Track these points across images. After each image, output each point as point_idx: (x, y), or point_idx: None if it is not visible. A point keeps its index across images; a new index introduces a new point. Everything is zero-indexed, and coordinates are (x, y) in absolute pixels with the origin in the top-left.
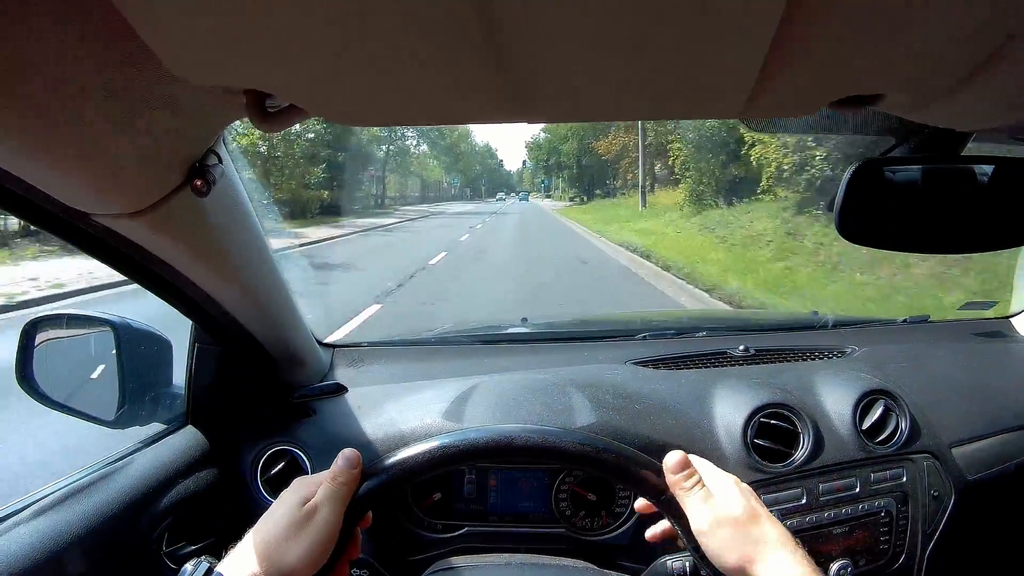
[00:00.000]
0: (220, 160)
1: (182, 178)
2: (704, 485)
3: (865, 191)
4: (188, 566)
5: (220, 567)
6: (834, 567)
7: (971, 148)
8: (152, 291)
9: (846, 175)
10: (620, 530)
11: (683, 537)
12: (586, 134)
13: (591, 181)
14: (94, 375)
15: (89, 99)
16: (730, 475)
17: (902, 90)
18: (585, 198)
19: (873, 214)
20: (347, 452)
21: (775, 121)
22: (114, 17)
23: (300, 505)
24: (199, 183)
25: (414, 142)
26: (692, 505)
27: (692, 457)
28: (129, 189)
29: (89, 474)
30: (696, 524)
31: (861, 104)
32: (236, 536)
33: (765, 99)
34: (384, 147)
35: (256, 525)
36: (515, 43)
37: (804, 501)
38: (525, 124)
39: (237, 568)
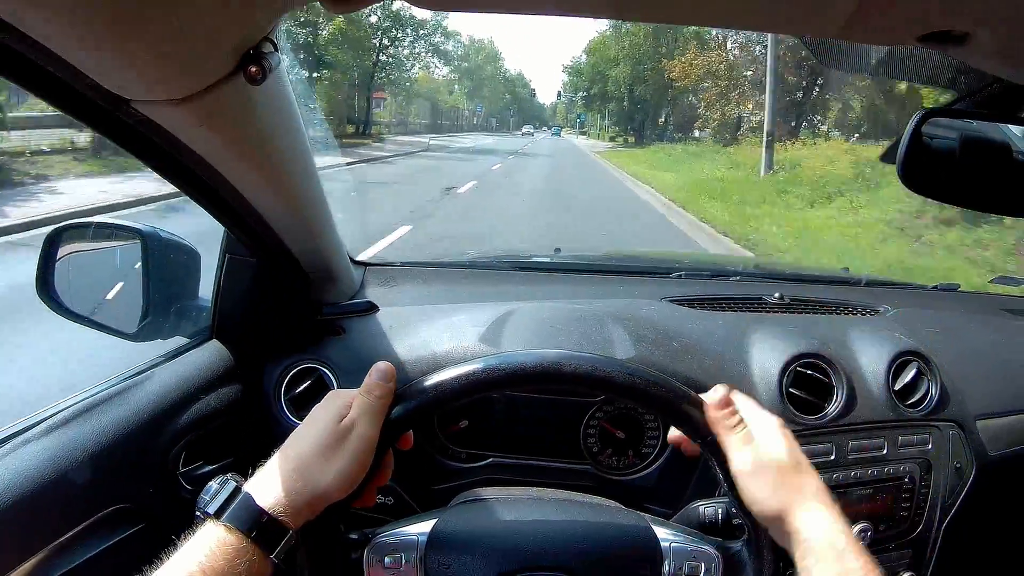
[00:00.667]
0: (276, 49)
1: (235, 64)
2: (747, 426)
3: (928, 141)
4: (213, 484)
5: (248, 486)
6: (855, 529)
7: None
8: (187, 192)
9: (910, 123)
10: (646, 471)
11: (722, 479)
12: (644, 55)
13: (644, 119)
14: (118, 286)
15: None
16: (774, 416)
17: (988, 32)
18: (632, 139)
19: (933, 164)
20: (380, 365)
21: (851, 57)
22: None
23: (336, 421)
24: (254, 70)
25: (413, 49)
26: (734, 445)
27: (735, 394)
28: (178, 73)
29: (106, 388)
30: (737, 465)
31: (947, 43)
32: (254, 456)
33: (864, 21)
34: (373, 57)
35: (288, 441)
36: None
37: (833, 457)
38: (596, 31)
39: (267, 487)
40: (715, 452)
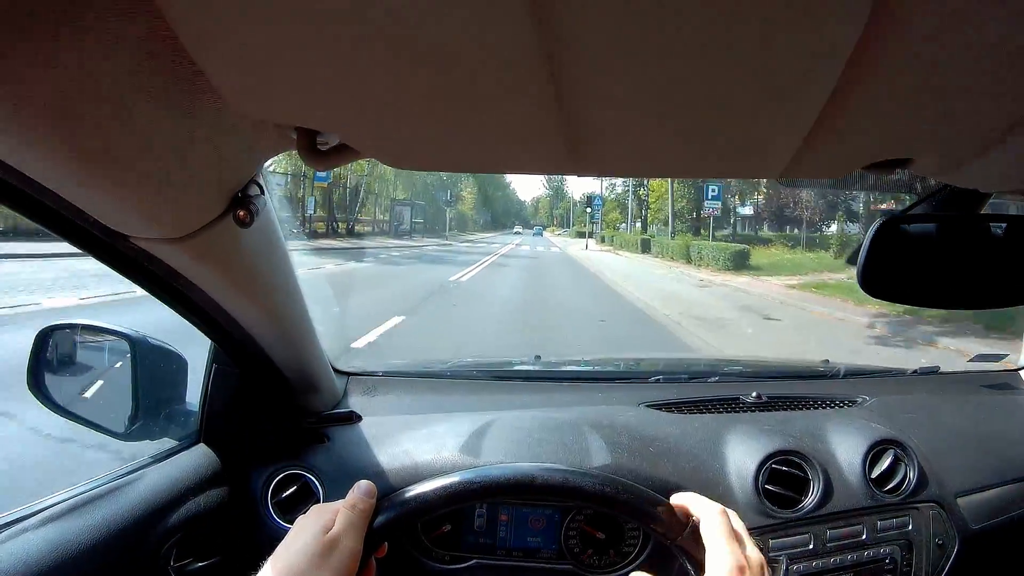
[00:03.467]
0: (262, 191)
1: (224, 207)
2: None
3: (887, 247)
4: None
5: None
6: None
7: (988, 207)
8: (179, 312)
9: (869, 232)
10: (627, 570)
11: None
12: None
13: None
14: (107, 386)
15: (143, 125)
16: (718, 517)
17: (933, 154)
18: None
19: (894, 270)
20: (363, 483)
21: (803, 181)
22: (174, 47)
23: (322, 534)
24: (242, 214)
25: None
26: (691, 549)
27: (689, 497)
28: (172, 215)
29: (99, 485)
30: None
31: (892, 167)
32: (243, 556)
33: (805, 161)
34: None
35: (277, 553)
36: (576, 99)
37: (811, 547)
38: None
39: None
40: (683, 553)
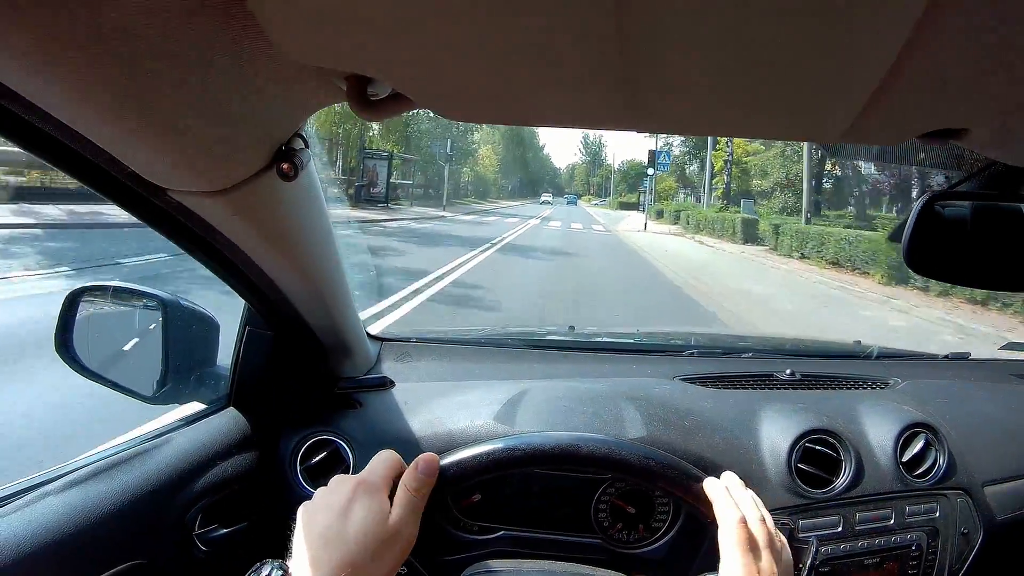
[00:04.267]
0: (307, 144)
1: (267, 160)
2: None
3: (931, 224)
4: (264, 568)
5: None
6: None
7: None
8: (213, 270)
9: (914, 208)
10: (656, 545)
11: None
12: None
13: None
14: (137, 349)
15: (189, 72)
16: (734, 515)
17: (987, 126)
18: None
19: (938, 247)
20: (427, 458)
21: (857, 149)
22: None
23: (382, 523)
24: (287, 167)
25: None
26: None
27: (726, 483)
28: (213, 167)
29: (125, 449)
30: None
31: (947, 137)
32: (269, 522)
33: (865, 126)
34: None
35: (334, 535)
36: (639, 50)
37: (840, 529)
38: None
39: None
40: None
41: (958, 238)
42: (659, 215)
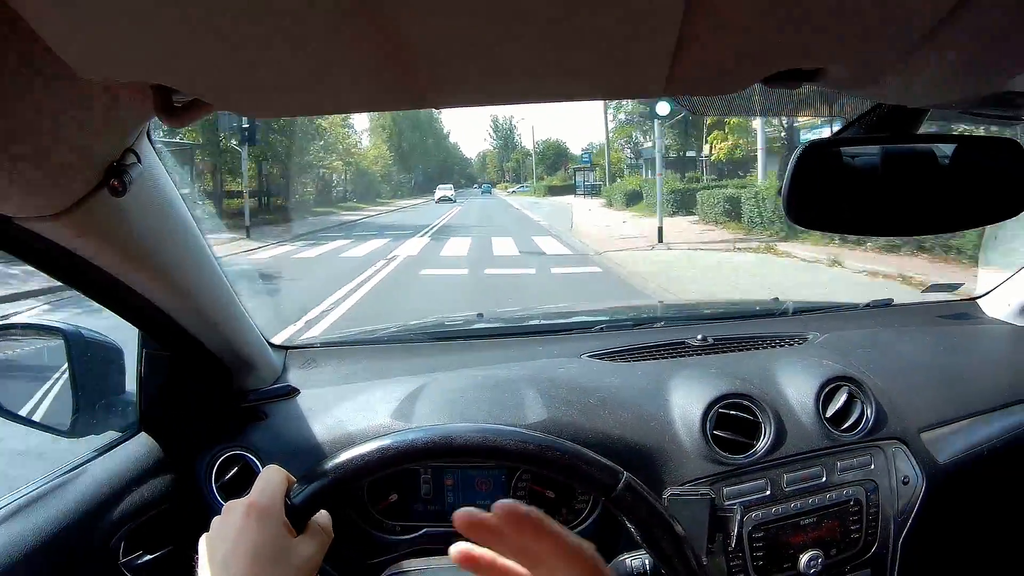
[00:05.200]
0: (139, 160)
1: (99, 178)
2: None
3: (814, 173)
4: None
5: None
6: (804, 558)
7: (926, 128)
8: (90, 296)
9: (792, 157)
10: (580, 528)
11: (635, 531)
12: None
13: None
14: (48, 385)
15: None
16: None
17: (843, 63)
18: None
19: (824, 197)
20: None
21: (713, 100)
22: (12, 16)
23: (273, 542)
24: (115, 184)
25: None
26: None
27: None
28: (46, 191)
29: (43, 485)
30: None
31: (798, 80)
32: (194, 543)
33: (688, 75)
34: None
35: (227, 562)
36: (425, 23)
37: (768, 492)
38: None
39: None
40: (621, 507)
41: (846, 185)
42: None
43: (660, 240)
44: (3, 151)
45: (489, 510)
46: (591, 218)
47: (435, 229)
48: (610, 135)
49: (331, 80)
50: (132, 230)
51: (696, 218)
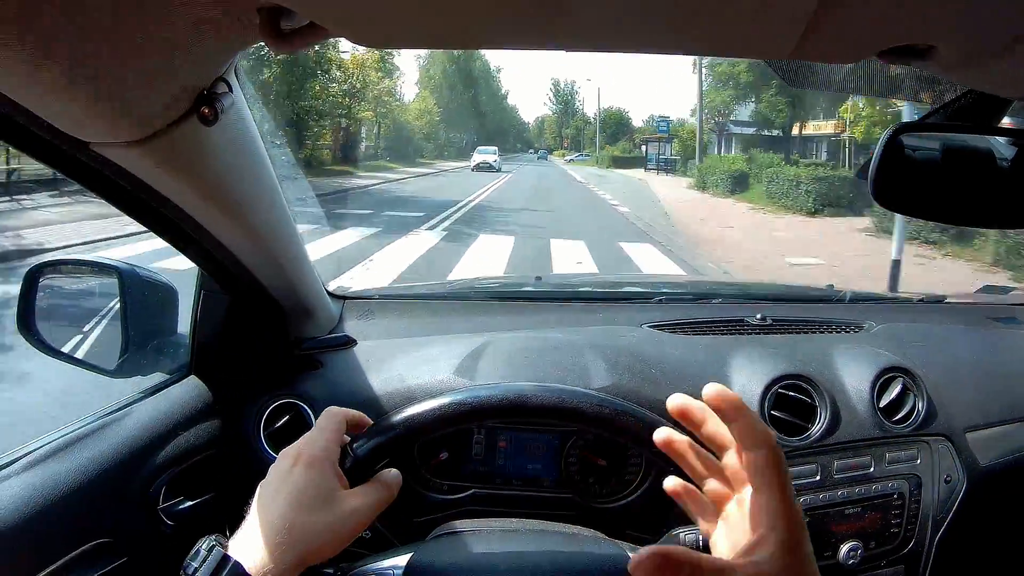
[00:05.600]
0: (230, 89)
1: (188, 105)
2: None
3: (899, 156)
4: (200, 548)
5: (234, 551)
6: (844, 548)
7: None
8: (155, 231)
9: (881, 139)
10: (630, 498)
11: None
12: None
13: None
14: (98, 323)
15: (93, 16)
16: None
17: (954, 44)
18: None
19: (906, 181)
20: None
21: (816, 74)
22: None
23: (320, 485)
24: (206, 111)
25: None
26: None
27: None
28: (132, 115)
29: (85, 425)
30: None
31: (910, 57)
32: (236, 491)
33: (817, 41)
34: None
35: (272, 501)
36: None
37: (818, 478)
38: (553, 53)
39: (254, 551)
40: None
41: (926, 171)
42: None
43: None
44: (91, 70)
45: (539, 474)
46: (693, 209)
47: (466, 210)
48: (703, 102)
49: (458, 10)
50: (214, 163)
51: (871, 224)
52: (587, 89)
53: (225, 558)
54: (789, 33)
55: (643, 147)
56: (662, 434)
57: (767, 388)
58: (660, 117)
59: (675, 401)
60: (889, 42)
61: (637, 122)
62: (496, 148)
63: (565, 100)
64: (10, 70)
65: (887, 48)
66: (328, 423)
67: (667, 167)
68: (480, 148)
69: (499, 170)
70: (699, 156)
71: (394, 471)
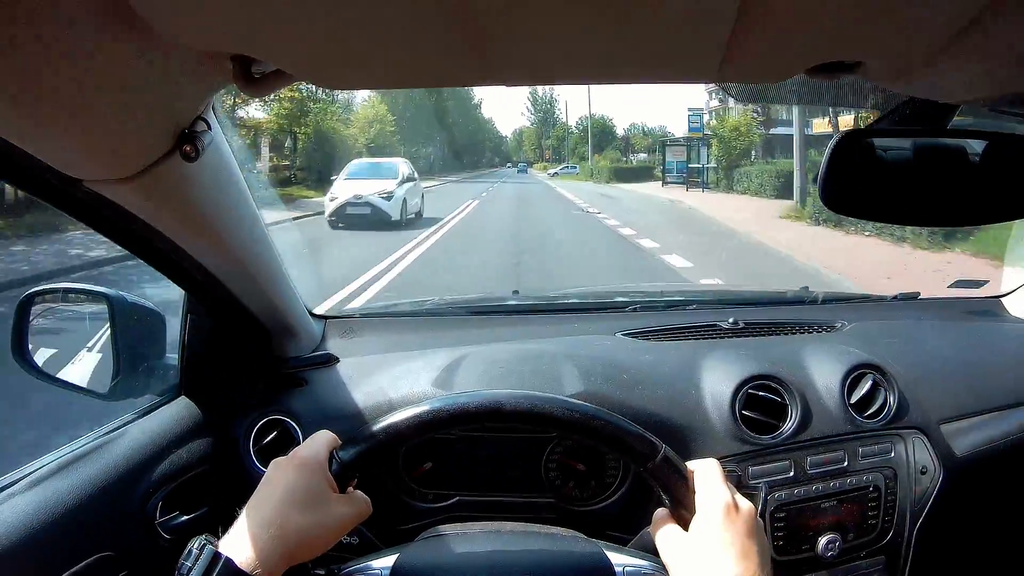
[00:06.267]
0: (209, 127)
1: (171, 144)
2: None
3: (848, 162)
4: (192, 547)
5: (224, 548)
6: (822, 541)
7: (956, 123)
8: (144, 259)
9: (829, 145)
10: (609, 500)
11: (668, 503)
12: None
13: None
14: (89, 348)
15: (77, 62)
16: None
17: (880, 57)
18: None
19: (857, 185)
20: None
21: (757, 90)
22: None
23: (308, 486)
24: (188, 149)
25: None
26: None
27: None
28: (119, 154)
29: (83, 445)
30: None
31: (839, 72)
32: (229, 505)
33: (740, 62)
34: None
35: (262, 503)
36: (489, 5)
37: (792, 474)
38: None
39: (244, 548)
40: (659, 479)
41: (878, 174)
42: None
43: None
44: (85, 113)
45: (520, 480)
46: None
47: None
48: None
49: (407, 53)
50: (196, 196)
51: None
52: (564, 97)
53: (216, 555)
54: (710, 57)
55: (661, 153)
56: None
57: (737, 388)
58: (692, 110)
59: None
60: (815, 60)
61: (618, 130)
62: (405, 170)
63: (544, 110)
64: (4, 111)
65: (814, 65)
66: (319, 436)
67: (696, 180)
68: (354, 165)
69: (401, 221)
70: (800, 168)
71: (363, 494)
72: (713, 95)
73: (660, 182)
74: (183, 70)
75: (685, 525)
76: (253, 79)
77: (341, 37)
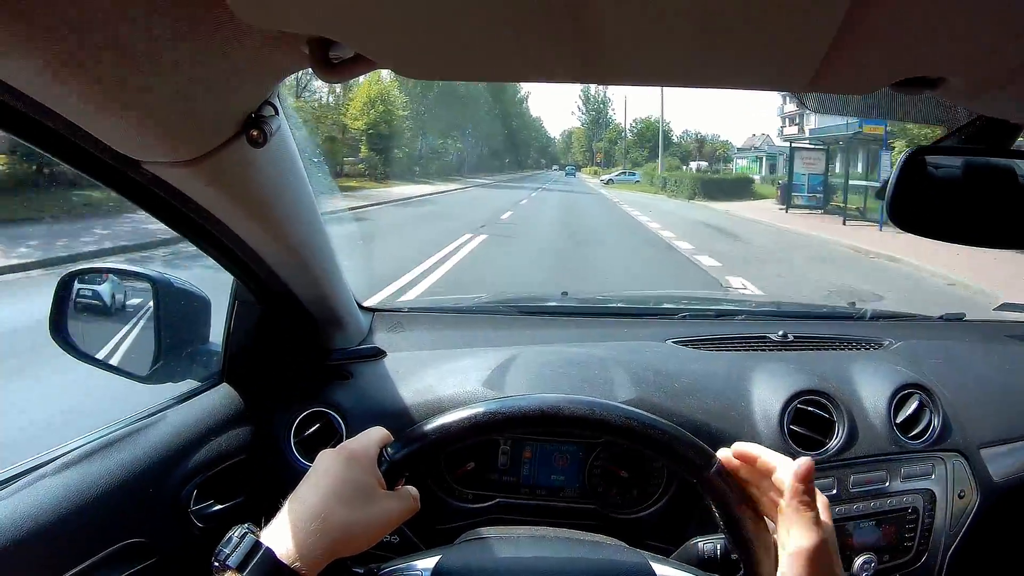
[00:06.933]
0: (277, 112)
1: (238, 128)
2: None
3: (914, 179)
4: (232, 535)
5: (266, 538)
6: (858, 561)
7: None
8: (196, 244)
9: (897, 162)
10: (651, 509)
11: (719, 517)
12: None
13: None
14: (130, 330)
15: (151, 43)
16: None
17: (962, 75)
18: None
19: (922, 202)
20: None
21: (832, 102)
22: None
23: (355, 480)
24: (255, 134)
25: None
26: (801, 523)
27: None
28: (184, 137)
29: (119, 429)
30: (795, 544)
31: (922, 87)
32: (265, 496)
33: (832, 74)
34: None
35: (308, 494)
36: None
37: (835, 491)
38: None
39: (285, 540)
40: (711, 491)
41: (942, 193)
42: None
43: None
44: (151, 94)
45: (563, 485)
46: None
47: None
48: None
49: (505, 46)
50: (258, 182)
51: None
52: (620, 96)
53: (257, 544)
54: (806, 67)
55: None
56: (725, 454)
57: (787, 403)
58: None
59: (736, 448)
60: (901, 75)
61: (673, 136)
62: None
63: (597, 109)
64: (69, 93)
65: (899, 80)
66: (372, 432)
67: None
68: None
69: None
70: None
71: (414, 488)
72: (788, 98)
73: (770, 200)
74: (255, 52)
75: (744, 526)
76: (331, 64)
77: (439, 24)
